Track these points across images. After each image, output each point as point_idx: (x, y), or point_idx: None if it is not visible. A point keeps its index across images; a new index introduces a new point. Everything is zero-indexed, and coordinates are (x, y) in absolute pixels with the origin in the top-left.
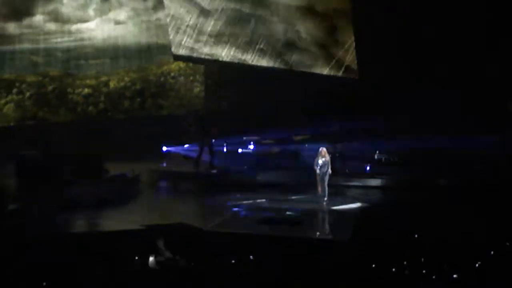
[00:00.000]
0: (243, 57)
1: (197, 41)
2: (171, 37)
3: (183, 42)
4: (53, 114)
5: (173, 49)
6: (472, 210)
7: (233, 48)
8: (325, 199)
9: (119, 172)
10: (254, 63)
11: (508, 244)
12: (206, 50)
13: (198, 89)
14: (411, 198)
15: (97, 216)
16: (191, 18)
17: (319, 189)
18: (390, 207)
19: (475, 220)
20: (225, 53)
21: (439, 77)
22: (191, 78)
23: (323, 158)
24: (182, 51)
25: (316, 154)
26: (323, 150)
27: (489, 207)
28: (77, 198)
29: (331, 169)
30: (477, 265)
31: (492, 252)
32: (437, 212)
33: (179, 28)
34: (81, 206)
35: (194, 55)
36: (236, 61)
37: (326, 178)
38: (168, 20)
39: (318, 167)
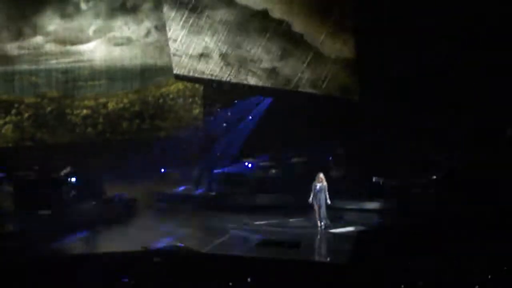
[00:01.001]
0: (244, 78)
1: (198, 61)
2: (172, 57)
3: (184, 63)
4: (52, 135)
5: (174, 69)
6: None
7: (234, 69)
8: (322, 224)
9: (116, 193)
10: (253, 83)
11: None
12: (207, 71)
13: (197, 110)
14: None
15: (95, 237)
16: (192, 39)
17: (316, 215)
18: (387, 231)
19: None
20: (226, 74)
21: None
22: (190, 100)
23: (320, 183)
24: (183, 71)
25: (313, 178)
26: (320, 175)
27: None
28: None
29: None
30: None
31: None
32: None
33: (180, 49)
34: (79, 227)
35: (195, 75)
36: (237, 81)
37: (323, 205)
38: (169, 41)
39: (315, 192)
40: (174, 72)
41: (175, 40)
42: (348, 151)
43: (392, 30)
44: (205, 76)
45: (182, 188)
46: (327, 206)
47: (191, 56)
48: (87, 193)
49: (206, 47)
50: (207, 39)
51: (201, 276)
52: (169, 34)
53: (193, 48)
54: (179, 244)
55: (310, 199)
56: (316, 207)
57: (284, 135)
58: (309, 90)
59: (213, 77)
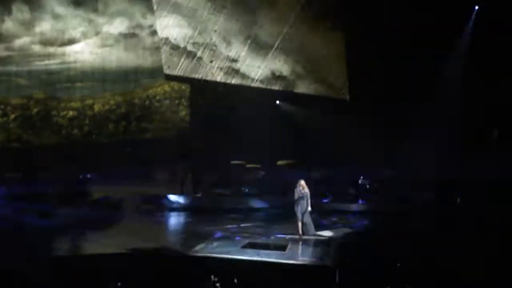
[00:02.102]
0: (233, 79)
1: (190, 62)
2: (163, 57)
3: (175, 63)
4: (38, 136)
5: (165, 69)
6: None
7: (224, 68)
8: (305, 232)
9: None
10: (244, 84)
11: None
12: (198, 71)
13: (183, 112)
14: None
15: (80, 239)
16: (183, 40)
17: (299, 223)
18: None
19: None
20: (216, 74)
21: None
22: (177, 101)
23: (302, 190)
24: (174, 72)
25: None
26: (301, 182)
27: None
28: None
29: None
30: None
31: None
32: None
33: (171, 49)
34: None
35: (186, 75)
36: (226, 81)
37: (306, 213)
38: (161, 42)
39: (296, 199)
40: (165, 72)
41: (166, 40)
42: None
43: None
44: (196, 76)
45: (167, 189)
46: (310, 213)
47: (182, 56)
48: (73, 195)
49: (197, 47)
50: (198, 38)
51: (186, 278)
52: (160, 34)
53: (185, 48)
54: (164, 245)
55: (296, 202)
56: (298, 214)
57: (271, 137)
58: (300, 90)
59: (204, 77)
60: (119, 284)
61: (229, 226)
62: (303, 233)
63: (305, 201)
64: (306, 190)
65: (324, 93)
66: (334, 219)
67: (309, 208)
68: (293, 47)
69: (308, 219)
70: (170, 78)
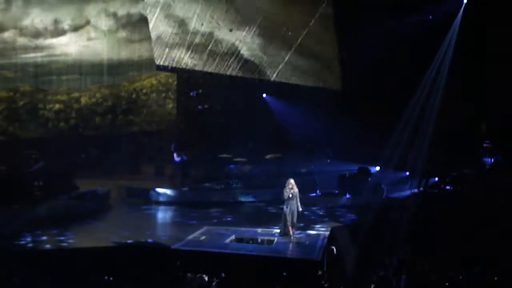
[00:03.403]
0: (223, 69)
1: (180, 52)
2: (154, 48)
3: (166, 53)
4: (24, 129)
5: (156, 60)
6: None
7: (216, 59)
8: (291, 234)
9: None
10: (235, 74)
11: None
12: (188, 62)
13: (170, 105)
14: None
15: (67, 232)
16: (174, 31)
17: (288, 223)
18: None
19: None
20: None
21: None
22: (163, 94)
23: (291, 190)
24: (164, 62)
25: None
26: (290, 181)
27: None
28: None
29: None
30: None
31: None
32: None
33: (162, 40)
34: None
35: (177, 66)
36: (218, 72)
37: (295, 213)
38: (152, 33)
39: (285, 199)
40: (157, 63)
41: (157, 30)
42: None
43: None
44: (187, 67)
45: (155, 183)
46: (298, 213)
47: (173, 47)
48: (59, 188)
49: (189, 37)
50: (189, 29)
51: (172, 272)
52: (151, 25)
53: (174, 39)
54: (151, 239)
55: (285, 202)
56: (288, 215)
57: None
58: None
59: (195, 68)
60: (105, 277)
61: (216, 220)
62: (293, 234)
63: (294, 201)
64: (295, 189)
65: (315, 84)
66: (321, 213)
67: (300, 209)
68: (282, 34)
69: (295, 220)
70: (161, 69)
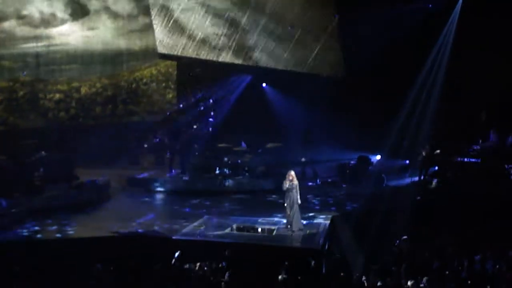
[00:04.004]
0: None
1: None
2: (156, 35)
3: (168, 41)
4: (24, 119)
5: (158, 48)
6: None
7: (218, 48)
8: (290, 227)
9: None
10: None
11: None
12: (191, 50)
13: (170, 95)
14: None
15: (67, 222)
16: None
17: (286, 215)
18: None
19: None
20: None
21: None
22: (164, 84)
23: (291, 181)
24: (167, 50)
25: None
26: (291, 172)
27: None
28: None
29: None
30: None
31: None
32: None
33: (164, 27)
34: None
35: (179, 54)
36: (221, 60)
37: (295, 206)
38: (155, 20)
39: (285, 190)
40: (159, 51)
41: (159, 18)
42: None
43: None
44: (190, 55)
45: (155, 172)
46: (299, 206)
47: (176, 35)
48: (59, 178)
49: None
50: (192, 17)
51: (172, 262)
52: (153, 13)
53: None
54: (150, 228)
55: (285, 195)
56: (287, 207)
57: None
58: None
59: (198, 56)
60: (105, 268)
61: (216, 209)
62: (290, 226)
63: (294, 193)
64: (295, 181)
65: (315, 72)
66: (321, 202)
67: (299, 201)
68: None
69: (296, 212)
70: (164, 57)
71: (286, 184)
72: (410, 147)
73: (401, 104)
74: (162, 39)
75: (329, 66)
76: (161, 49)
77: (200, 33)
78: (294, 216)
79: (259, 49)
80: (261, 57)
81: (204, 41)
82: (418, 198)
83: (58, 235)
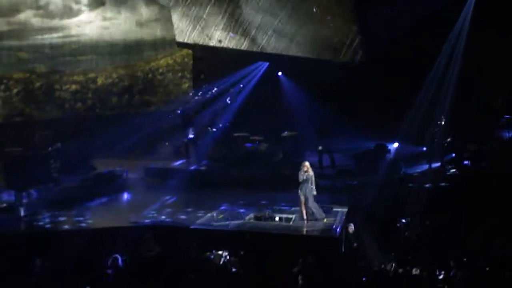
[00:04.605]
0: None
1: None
2: (175, 25)
3: (187, 30)
4: (41, 110)
5: (176, 37)
6: None
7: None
8: (305, 218)
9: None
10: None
11: None
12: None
13: (186, 85)
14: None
15: (86, 212)
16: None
17: (302, 207)
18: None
19: None
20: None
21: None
22: (179, 74)
23: (306, 172)
24: (185, 39)
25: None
26: (305, 163)
27: None
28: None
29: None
30: None
31: None
32: None
33: (183, 17)
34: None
35: (199, 42)
36: (239, 48)
37: (311, 196)
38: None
39: (300, 182)
40: (176, 40)
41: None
42: None
43: None
44: (206, 43)
45: (173, 162)
46: (314, 197)
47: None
48: (76, 169)
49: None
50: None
51: (191, 251)
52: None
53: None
54: (169, 219)
55: (300, 185)
56: (302, 198)
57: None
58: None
59: (219, 44)
60: (124, 257)
61: (234, 198)
62: (308, 219)
63: (309, 184)
64: (311, 172)
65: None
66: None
67: (314, 192)
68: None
69: (313, 203)
70: (182, 45)
71: (302, 176)
72: (427, 134)
73: (417, 91)
74: (179, 27)
75: (343, 53)
76: (178, 38)
77: (216, 20)
78: (312, 206)
79: (274, 34)
80: (277, 44)
81: (222, 28)
82: (437, 184)
83: (76, 225)
